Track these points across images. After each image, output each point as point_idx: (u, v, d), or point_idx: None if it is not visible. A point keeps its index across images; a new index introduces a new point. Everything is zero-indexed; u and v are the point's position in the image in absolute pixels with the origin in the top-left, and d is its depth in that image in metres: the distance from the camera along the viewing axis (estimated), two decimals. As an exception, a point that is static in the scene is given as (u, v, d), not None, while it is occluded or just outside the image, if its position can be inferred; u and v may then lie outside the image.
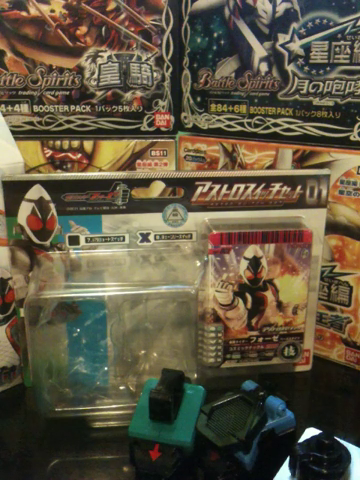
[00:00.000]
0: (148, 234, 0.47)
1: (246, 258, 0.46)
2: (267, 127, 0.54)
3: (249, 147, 0.54)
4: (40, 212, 0.45)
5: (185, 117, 0.58)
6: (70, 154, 0.56)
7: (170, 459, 0.37)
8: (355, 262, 0.51)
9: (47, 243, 0.46)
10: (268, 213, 0.48)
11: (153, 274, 0.46)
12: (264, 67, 0.52)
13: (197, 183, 0.46)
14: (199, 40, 0.55)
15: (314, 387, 0.52)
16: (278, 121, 0.53)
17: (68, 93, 0.56)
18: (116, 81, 0.56)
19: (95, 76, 0.55)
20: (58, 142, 0.56)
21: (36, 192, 0.45)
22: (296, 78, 0.51)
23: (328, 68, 0.49)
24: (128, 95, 0.56)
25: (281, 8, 0.49)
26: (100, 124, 0.57)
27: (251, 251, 0.46)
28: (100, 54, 0.55)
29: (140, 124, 0.57)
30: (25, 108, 0.56)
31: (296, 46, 0.50)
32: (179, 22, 0.55)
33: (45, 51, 0.54)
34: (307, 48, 0.49)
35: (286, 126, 0.53)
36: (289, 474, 0.34)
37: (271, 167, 0.53)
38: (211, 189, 0.47)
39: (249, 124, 0.55)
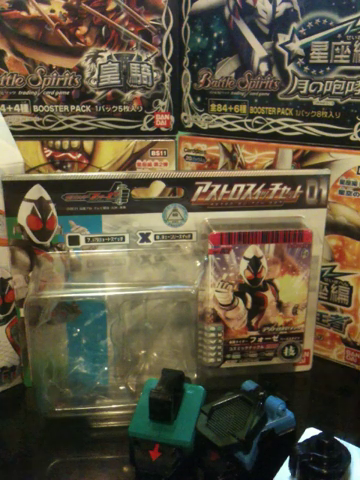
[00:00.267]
0: (148, 234, 0.47)
1: (246, 258, 0.46)
2: (267, 127, 0.54)
3: (249, 147, 0.54)
4: (40, 212, 0.45)
5: (185, 117, 0.58)
6: (70, 154, 0.56)
7: (170, 459, 0.37)
8: (355, 262, 0.51)
9: (47, 243, 0.46)
10: (268, 213, 0.48)
11: (153, 274, 0.46)
12: (264, 67, 0.52)
13: (197, 183, 0.46)
14: (199, 40, 0.55)
15: (314, 387, 0.52)
16: (278, 121, 0.53)
17: (68, 93, 0.56)
18: (116, 81, 0.56)
19: (95, 76, 0.55)
20: (58, 142, 0.56)
21: (36, 192, 0.45)
22: (296, 78, 0.51)
23: (328, 68, 0.49)
24: (128, 95, 0.56)
25: (281, 8, 0.49)
26: (100, 124, 0.57)
27: (251, 251, 0.46)
28: (100, 54, 0.55)
29: (140, 124, 0.57)
30: (25, 108, 0.56)
31: (296, 46, 0.50)
32: (179, 22, 0.55)
33: (45, 51, 0.54)
34: (307, 48, 0.49)
35: (286, 126, 0.53)
36: (289, 474, 0.34)
37: (271, 167, 0.53)
38: (211, 189, 0.47)
39: (249, 124, 0.55)
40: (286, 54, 0.50)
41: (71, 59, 0.55)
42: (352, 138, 0.49)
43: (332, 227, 0.51)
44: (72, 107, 0.56)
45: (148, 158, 0.57)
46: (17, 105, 0.55)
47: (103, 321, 0.47)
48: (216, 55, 0.54)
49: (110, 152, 0.57)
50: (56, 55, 0.54)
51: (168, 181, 0.47)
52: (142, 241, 0.47)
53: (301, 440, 0.35)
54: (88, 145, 0.56)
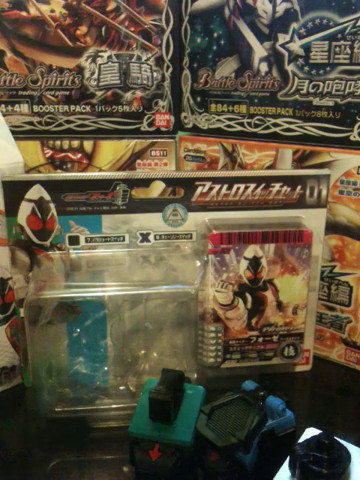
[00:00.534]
0: (148, 234, 0.47)
1: (246, 258, 0.46)
2: (267, 127, 0.54)
3: (249, 147, 0.54)
4: (40, 212, 0.45)
5: (185, 117, 0.58)
6: (70, 154, 0.56)
7: (170, 459, 0.37)
8: (355, 262, 0.51)
9: (47, 243, 0.46)
10: (268, 213, 0.48)
11: (153, 274, 0.46)
12: (264, 67, 0.52)
13: (197, 183, 0.46)
14: (199, 40, 0.55)
15: (314, 387, 0.52)
16: (278, 121, 0.53)
17: (68, 93, 0.56)
18: (116, 81, 0.56)
19: (95, 76, 0.55)
20: (58, 142, 0.56)
21: (36, 192, 0.45)
22: (296, 78, 0.51)
23: (328, 68, 0.49)
24: (128, 95, 0.56)
25: (281, 8, 0.49)
26: (100, 124, 0.57)
27: (251, 251, 0.46)
28: (100, 54, 0.55)
29: (140, 124, 0.57)
30: (25, 108, 0.56)
31: (296, 46, 0.50)
32: (179, 22, 0.55)
33: (45, 51, 0.54)
34: (307, 48, 0.49)
35: (286, 126, 0.53)
36: (289, 474, 0.34)
37: (271, 167, 0.53)
38: (211, 189, 0.47)
39: (249, 124, 0.55)
40: (286, 54, 0.50)
41: (71, 59, 0.55)
42: (352, 138, 0.49)
43: (332, 227, 0.51)
44: (72, 107, 0.56)
45: (148, 158, 0.57)
46: (17, 105, 0.55)
47: (103, 321, 0.47)
48: (216, 55, 0.54)
49: (110, 152, 0.57)
50: (56, 55, 0.54)
51: (168, 181, 0.47)
52: (142, 241, 0.47)
53: (301, 440, 0.35)
54: (88, 145, 0.56)
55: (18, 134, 0.55)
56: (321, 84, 0.49)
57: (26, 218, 0.45)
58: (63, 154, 0.56)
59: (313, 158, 0.51)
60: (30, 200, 0.45)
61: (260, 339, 0.49)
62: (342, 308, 0.53)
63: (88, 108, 0.56)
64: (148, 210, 0.47)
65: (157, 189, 0.52)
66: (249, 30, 0.52)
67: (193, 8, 0.54)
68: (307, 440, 0.34)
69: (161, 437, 0.37)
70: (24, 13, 0.53)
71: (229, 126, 0.56)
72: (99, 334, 0.47)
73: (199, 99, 0.57)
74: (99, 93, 0.56)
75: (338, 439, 0.34)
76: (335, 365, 0.54)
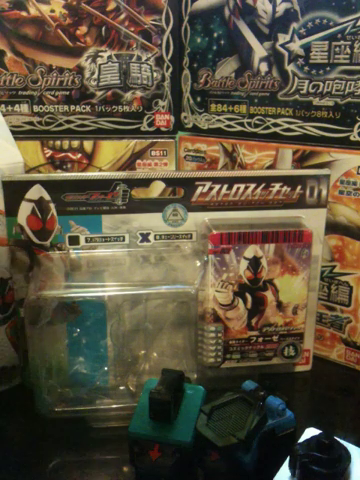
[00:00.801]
0: (148, 234, 0.47)
1: (246, 258, 0.46)
2: (267, 127, 0.54)
3: (249, 147, 0.54)
4: (40, 212, 0.45)
5: (185, 117, 0.58)
6: (70, 154, 0.56)
7: (170, 459, 0.37)
8: (355, 262, 0.51)
9: (47, 243, 0.46)
10: (268, 213, 0.48)
11: (153, 274, 0.46)
12: (264, 67, 0.52)
13: (197, 183, 0.46)
14: (199, 40, 0.55)
15: (314, 387, 0.52)
16: (278, 121, 0.53)
17: (68, 93, 0.56)
18: (116, 81, 0.56)
19: (95, 76, 0.55)
20: (58, 142, 0.56)
21: (36, 192, 0.45)
22: (296, 78, 0.51)
23: (328, 68, 0.49)
24: (128, 95, 0.56)
25: (281, 8, 0.49)
26: (100, 124, 0.57)
27: (251, 251, 0.46)
28: (100, 54, 0.55)
29: (140, 124, 0.57)
30: (25, 108, 0.56)
31: (296, 46, 0.50)
32: (179, 22, 0.55)
33: (45, 51, 0.54)
34: (307, 48, 0.49)
35: (286, 126, 0.53)
36: (289, 474, 0.34)
37: (271, 167, 0.53)
38: (211, 189, 0.47)
39: (249, 124, 0.55)
40: (286, 54, 0.50)
41: (71, 59, 0.55)
42: (352, 138, 0.49)
43: (332, 227, 0.51)
44: (72, 107, 0.56)
45: (148, 158, 0.57)
46: (17, 105, 0.55)
47: (103, 321, 0.47)
48: (216, 55, 0.54)
49: (110, 152, 0.57)
50: (56, 55, 0.54)
51: (168, 181, 0.47)
52: (142, 241, 0.47)
53: (301, 440, 0.35)
54: (88, 145, 0.56)
55: (18, 134, 0.55)
56: (321, 84, 0.49)
57: (26, 218, 0.45)
58: (63, 154, 0.56)
59: (313, 158, 0.51)
60: (30, 200, 0.45)
61: (260, 339, 0.49)
62: (342, 308, 0.53)
63: (88, 108, 0.56)
64: (148, 210, 0.47)
65: (157, 189, 0.52)
66: (249, 30, 0.52)
67: (193, 8, 0.54)
68: (307, 440, 0.34)
69: (161, 437, 0.37)
70: (24, 13, 0.53)
71: (229, 126, 0.56)
72: (99, 334, 0.47)
73: (199, 99, 0.57)
74: (99, 93, 0.56)
75: (338, 439, 0.34)
76: (335, 365, 0.54)
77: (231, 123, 0.56)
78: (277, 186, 0.47)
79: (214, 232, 0.45)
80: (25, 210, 0.45)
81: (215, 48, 0.54)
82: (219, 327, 0.47)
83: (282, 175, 0.47)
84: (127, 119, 0.57)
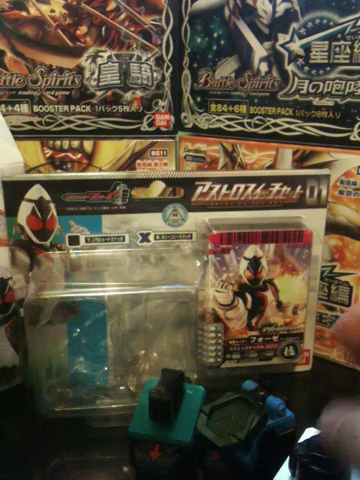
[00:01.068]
0: (148, 234, 0.47)
1: (246, 258, 0.46)
2: (267, 127, 0.54)
3: (249, 147, 0.54)
4: (40, 212, 0.45)
5: (185, 117, 0.58)
6: (70, 154, 0.56)
7: (170, 459, 0.37)
8: (355, 262, 0.51)
9: (47, 243, 0.46)
10: (268, 213, 0.48)
11: (153, 274, 0.46)
12: (264, 67, 0.52)
13: (197, 183, 0.46)
14: (199, 40, 0.55)
15: (314, 387, 0.52)
16: (278, 121, 0.53)
17: (68, 93, 0.56)
18: (116, 81, 0.56)
19: (95, 76, 0.55)
20: (58, 142, 0.56)
21: (36, 192, 0.45)
22: (296, 78, 0.51)
23: (328, 68, 0.49)
24: (128, 95, 0.56)
25: (281, 8, 0.49)
26: (100, 124, 0.57)
27: (251, 251, 0.46)
28: (100, 54, 0.55)
29: (140, 124, 0.57)
30: (25, 108, 0.56)
31: (296, 46, 0.50)
32: (179, 22, 0.55)
33: (45, 51, 0.54)
34: (307, 48, 0.49)
35: (286, 126, 0.53)
36: (289, 474, 0.34)
37: (271, 167, 0.53)
38: (211, 189, 0.47)
39: (249, 124, 0.55)
40: (286, 54, 0.50)
41: (71, 59, 0.55)
42: (352, 138, 0.49)
43: (332, 227, 0.51)
44: (72, 107, 0.56)
45: (148, 158, 0.57)
46: (17, 105, 0.55)
47: (103, 321, 0.47)
48: (216, 55, 0.54)
49: (110, 152, 0.57)
50: (56, 55, 0.54)
51: (168, 181, 0.47)
52: (142, 241, 0.47)
53: (301, 440, 0.35)
54: (88, 145, 0.56)
55: (18, 134, 0.55)
56: (321, 84, 0.49)
57: (26, 218, 0.45)
58: (63, 154, 0.56)
59: (313, 158, 0.51)
60: (30, 200, 0.45)
61: (260, 339, 0.49)
62: (342, 308, 0.53)
63: (88, 108, 0.56)
64: (148, 210, 0.47)
65: (157, 189, 0.52)
66: (249, 30, 0.52)
67: (193, 8, 0.54)
68: (307, 440, 0.34)
69: (161, 437, 0.37)
70: (24, 13, 0.53)
71: (229, 126, 0.56)
72: (99, 334, 0.47)
73: (199, 99, 0.57)
74: (99, 93, 0.56)
75: None
76: (335, 365, 0.54)
77: (231, 123, 0.56)
78: (277, 186, 0.47)
79: (214, 232, 0.45)
80: (25, 210, 0.45)
81: (215, 48, 0.54)
82: (219, 327, 0.47)
83: (282, 175, 0.47)
84: (127, 119, 0.57)
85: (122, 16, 0.54)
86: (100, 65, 0.55)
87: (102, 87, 0.56)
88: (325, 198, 0.48)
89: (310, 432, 0.37)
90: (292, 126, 0.52)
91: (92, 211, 0.46)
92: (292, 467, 0.34)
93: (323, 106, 0.50)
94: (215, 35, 0.54)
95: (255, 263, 0.47)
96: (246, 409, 0.37)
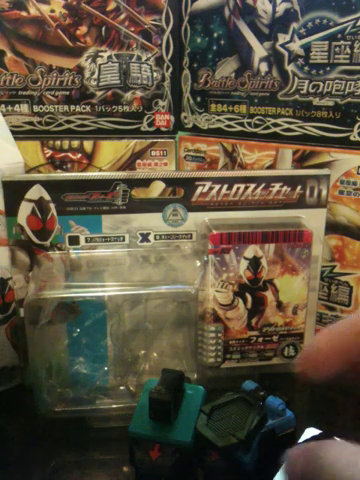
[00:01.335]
0: (148, 234, 0.47)
1: (246, 258, 0.46)
2: (267, 127, 0.54)
3: (249, 147, 0.54)
4: (40, 212, 0.45)
5: (185, 117, 0.58)
6: (70, 154, 0.56)
7: (170, 459, 0.37)
8: (355, 262, 0.51)
9: (47, 243, 0.46)
10: (268, 213, 0.48)
11: (153, 274, 0.46)
12: (264, 67, 0.52)
13: (197, 183, 0.46)
14: (199, 40, 0.55)
15: (314, 387, 0.52)
16: (278, 121, 0.53)
17: (68, 93, 0.56)
18: (116, 81, 0.56)
19: (95, 76, 0.55)
20: (58, 142, 0.56)
21: (36, 192, 0.45)
22: (296, 78, 0.51)
23: (328, 68, 0.49)
24: (128, 95, 0.56)
25: (281, 8, 0.50)
26: (100, 124, 0.57)
27: (251, 251, 0.46)
28: (100, 54, 0.55)
29: (140, 124, 0.57)
30: (25, 108, 0.56)
31: (296, 46, 0.50)
32: (179, 22, 0.55)
33: (45, 51, 0.54)
34: (307, 48, 0.49)
35: (286, 126, 0.53)
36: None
37: (271, 167, 0.53)
38: (211, 189, 0.47)
39: (249, 124, 0.55)
40: (286, 54, 0.50)
41: (71, 59, 0.55)
42: (352, 138, 0.49)
43: (332, 227, 0.51)
44: (72, 107, 0.56)
45: (148, 158, 0.57)
46: (17, 105, 0.55)
47: (103, 321, 0.47)
48: (216, 55, 0.54)
49: (110, 152, 0.57)
50: (56, 55, 0.54)
51: (168, 181, 0.47)
52: (142, 241, 0.47)
53: (301, 440, 0.35)
54: (88, 145, 0.56)
55: (18, 134, 0.55)
56: (321, 84, 0.49)
57: (26, 218, 0.45)
58: (63, 154, 0.56)
59: (313, 158, 0.51)
60: (30, 200, 0.45)
61: (260, 339, 0.49)
62: (342, 308, 0.53)
63: (88, 108, 0.56)
64: (148, 210, 0.47)
65: (157, 189, 0.52)
66: (249, 30, 0.52)
67: (193, 8, 0.54)
68: (307, 440, 0.34)
69: (161, 437, 0.37)
70: (24, 13, 0.53)
71: (229, 126, 0.56)
72: (99, 334, 0.47)
73: (199, 99, 0.57)
74: (99, 93, 0.56)
75: (338, 439, 0.34)
76: (335, 365, 0.54)
77: (231, 123, 0.56)
78: (277, 186, 0.47)
79: (214, 232, 0.45)
80: (25, 210, 0.45)
81: (215, 48, 0.54)
82: (219, 327, 0.47)
83: (282, 175, 0.47)
84: (127, 119, 0.57)
85: (122, 16, 0.54)
86: (100, 65, 0.55)
87: (102, 87, 0.56)
88: (325, 198, 0.48)
89: (310, 432, 0.37)
90: (292, 126, 0.52)
91: (92, 211, 0.46)
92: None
93: (323, 106, 0.50)
94: (215, 35, 0.54)
95: (255, 263, 0.47)
96: (246, 409, 0.37)
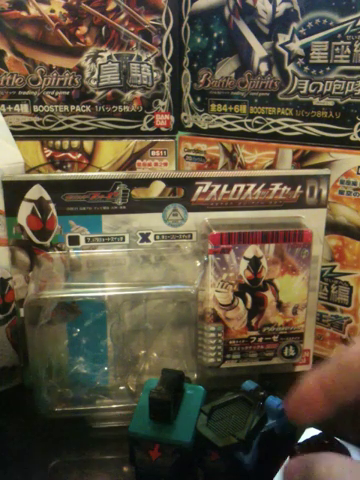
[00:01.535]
0: (148, 234, 0.47)
1: (246, 258, 0.46)
2: (267, 127, 0.54)
3: (249, 147, 0.54)
4: (40, 212, 0.45)
5: (185, 117, 0.58)
6: (70, 154, 0.56)
7: (170, 459, 0.37)
8: (355, 262, 0.51)
9: (47, 243, 0.46)
10: (268, 213, 0.48)
11: (153, 274, 0.46)
12: (264, 67, 0.52)
13: (197, 183, 0.46)
14: (199, 40, 0.55)
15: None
16: (278, 121, 0.53)
17: (68, 93, 0.56)
18: (116, 81, 0.56)
19: (95, 76, 0.55)
20: (58, 142, 0.56)
21: (36, 192, 0.45)
22: (296, 78, 0.51)
23: (328, 68, 0.49)
24: (128, 95, 0.56)
25: (281, 8, 0.50)
26: (100, 124, 0.57)
27: (251, 251, 0.46)
28: (100, 54, 0.55)
29: (140, 124, 0.57)
30: (25, 108, 0.56)
31: (296, 46, 0.50)
32: (179, 22, 0.55)
33: (45, 51, 0.54)
34: (307, 48, 0.49)
35: (286, 126, 0.53)
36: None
37: (271, 167, 0.53)
38: (211, 189, 0.47)
39: (249, 124, 0.55)
40: (286, 54, 0.50)
41: (71, 59, 0.55)
42: (352, 138, 0.49)
43: (332, 227, 0.51)
44: (72, 107, 0.56)
45: (148, 158, 0.57)
46: (17, 105, 0.55)
47: (103, 321, 0.47)
48: (216, 55, 0.54)
49: (110, 152, 0.57)
50: (56, 55, 0.54)
51: (168, 181, 0.47)
52: (142, 241, 0.47)
53: (301, 440, 0.35)
54: (88, 145, 0.56)
55: (18, 134, 0.55)
56: (321, 84, 0.49)
57: (26, 218, 0.45)
58: (63, 154, 0.56)
59: (313, 158, 0.51)
60: (30, 200, 0.45)
61: (260, 339, 0.49)
62: (342, 308, 0.53)
63: (88, 108, 0.56)
64: (148, 210, 0.47)
65: (157, 189, 0.52)
66: (249, 30, 0.52)
67: (193, 8, 0.54)
68: (307, 440, 0.34)
69: (161, 437, 0.37)
70: (24, 13, 0.53)
71: (229, 126, 0.56)
72: (99, 334, 0.47)
73: (199, 99, 0.57)
74: (99, 93, 0.56)
75: (338, 439, 0.34)
76: (335, 365, 0.54)
77: (231, 123, 0.56)
78: (277, 186, 0.47)
79: (214, 232, 0.45)
80: (25, 210, 0.45)
81: (215, 48, 0.54)
82: (219, 327, 0.47)
83: (282, 175, 0.47)
84: (127, 119, 0.57)
85: (122, 16, 0.54)
86: (100, 65, 0.55)
87: (102, 87, 0.56)
88: (325, 198, 0.48)
89: (310, 432, 0.37)
90: (292, 126, 0.52)
91: (92, 211, 0.46)
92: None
93: (323, 106, 0.50)
94: (215, 35, 0.54)
95: (255, 263, 0.47)
96: (246, 409, 0.37)
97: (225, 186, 0.47)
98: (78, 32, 0.54)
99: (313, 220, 0.48)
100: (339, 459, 0.27)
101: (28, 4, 0.52)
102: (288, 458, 0.34)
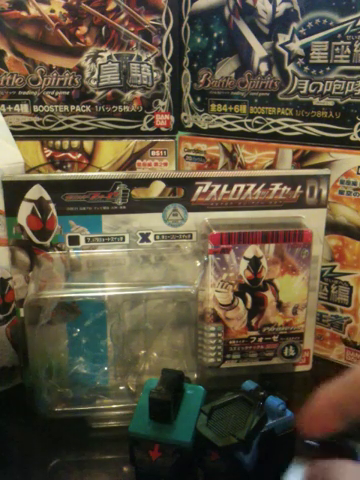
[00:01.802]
0: (148, 234, 0.47)
1: (246, 258, 0.46)
2: (267, 127, 0.54)
3: (249, 147, 0.54)
4: (40, 212, 0.45)
5: (185, 117, 0.58)
6: (70, 154, 0.56)
7: (170, 459, 0.37)
8: (355, 262, 0.51)
9: (47, 243, 0.46)
10: (268, 213, 0.48)
11: (153, 274, 0.46)
12: (264, 67, 0.52)
13: (197, 183, 0.46)
14: (199, 40, 0.55)
15: (314, 387, 0.52)
16: (278, 121, 0.53)
17: (68, 93, 0.56)
18: (116, 81, 0.56)
19: (95, 76, 0.55)
20: (58, 142, 0.56)
21: (36, 192, 0.45)
22: (296, 78, 0.51)
23: (328, 68, 0.49)
24: (128, 95, 0.56)
25: (281, 8, 0.50)
26: (100, 124, 0.57)
27: (251, 251, 0.46)
28: (100, 54, 0.55)
29: (140, 124, 0.57)
30: (25, 108, 0.56)
31: (296, 46, 0.50)
32: (179, 22, 0.55)
33: (45, 51, 0.54)
34: (307, 48, 0.49)
35: (286, 126, 0.53)
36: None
37: (271, 167, 0.53)
38: (211, 189, 0.47)
39: (249, 124, 0.55)
40: (286, 54, 0.50)
41: (71, 59, 0.55)
42: (352, 138, 0.49)
43: (332, 227, 0.51)
44: (72, 107, 0.56)
45: (148, 158, 0.57)
46: (17, 105, 0.55)
47: (103, 321, 0.47)
48: (216, 55, 0.54)
49: (110, 152, 0.57)
50: (56, 55, 0.54)
51: (168, 181, 0.47)
52: (142, 241, 0.47)
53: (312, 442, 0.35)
54: (88, 145, 0.56)
55: (18, 134, 0.55)
56: (321, 84, 0.49)
57: (26, 218, 0.45)
58: (63, 154, 0.56)
59: (313, 158, 0.51)
60: (30, 200, 0.45)
61: (260, 339, 0.49)
62: (342, 308, 0.53)
63: (88, 108, 0.56)
64: (148, 210, 0.47)
65: (157, 189, 0.53)
66: (249, 30, 0.52)
67: (193, 8, 0.54)
68: (320, 442, 0.34)
69: (161, 437, 0.37)
70: (24, 13, 0.53)
71: (229, 126, 0.56)
72: (99, 334, 0.47)
73: (199, 99, 0.57)
74: (99, 93, 0.56)
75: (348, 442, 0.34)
76: (335, 365, 0.54)
77: (231, 123, 0.56)
78: (277, 186, 0.47)
79: (214, 232, 0.45)
80: (25, 210, 0.45)
81: (215, 48, 0.54)
82: (219, 327, 0.47)
83: (282, 175, 0.47)
84: (127, 119, 0.57)
85: (122, 16, 0.54)
86: (100, 65, 0.55)
87: (102, 87, 0.56)
88: (325, 198, 0.48)
89: (310, 432, 0.37)
90: (292, 126, 0.52)
91: (92, 211, 0.46)
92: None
93: (323, 106, 0.50)
94: (215, 35, 0.54)
95: (255, 263, 0.47)
96: (246, 409, 0.37)
97: (225, 186, 0.47)
98: (78, 32, 0.54)
99: (313, 220, 0.48)
100: (352, 467, 0.27)
101: (28, 4, 0.52)
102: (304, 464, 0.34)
